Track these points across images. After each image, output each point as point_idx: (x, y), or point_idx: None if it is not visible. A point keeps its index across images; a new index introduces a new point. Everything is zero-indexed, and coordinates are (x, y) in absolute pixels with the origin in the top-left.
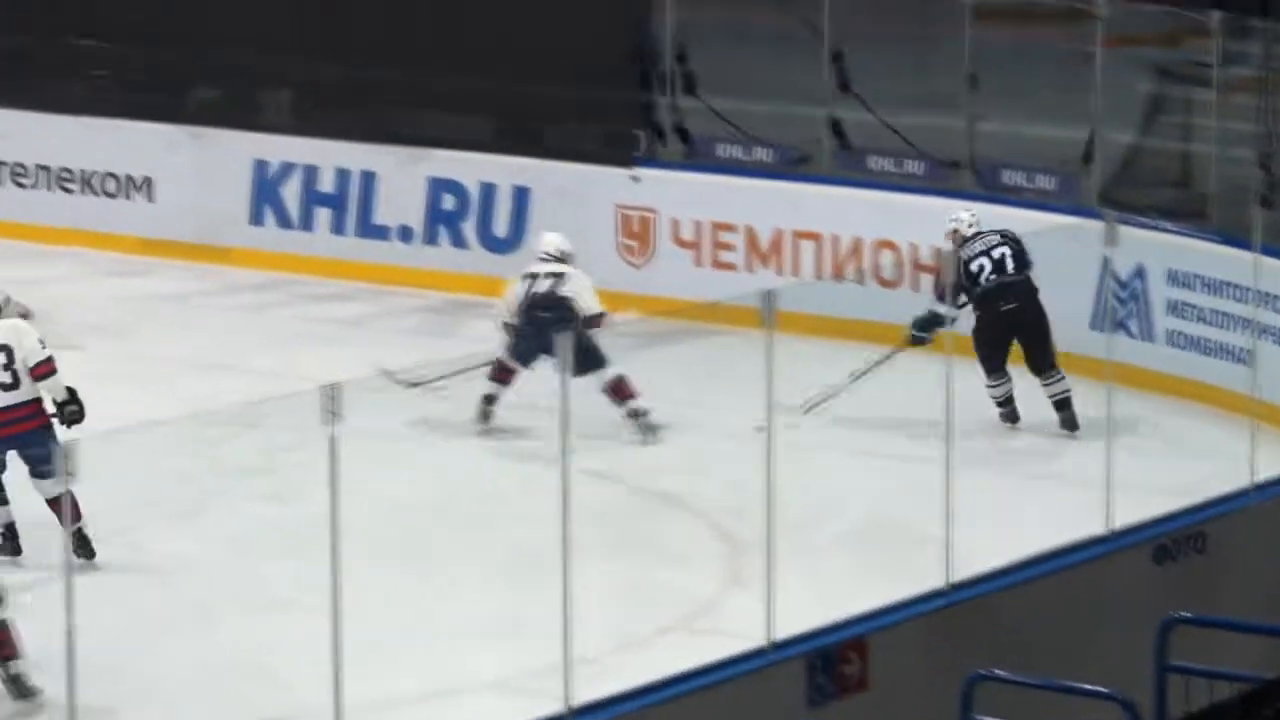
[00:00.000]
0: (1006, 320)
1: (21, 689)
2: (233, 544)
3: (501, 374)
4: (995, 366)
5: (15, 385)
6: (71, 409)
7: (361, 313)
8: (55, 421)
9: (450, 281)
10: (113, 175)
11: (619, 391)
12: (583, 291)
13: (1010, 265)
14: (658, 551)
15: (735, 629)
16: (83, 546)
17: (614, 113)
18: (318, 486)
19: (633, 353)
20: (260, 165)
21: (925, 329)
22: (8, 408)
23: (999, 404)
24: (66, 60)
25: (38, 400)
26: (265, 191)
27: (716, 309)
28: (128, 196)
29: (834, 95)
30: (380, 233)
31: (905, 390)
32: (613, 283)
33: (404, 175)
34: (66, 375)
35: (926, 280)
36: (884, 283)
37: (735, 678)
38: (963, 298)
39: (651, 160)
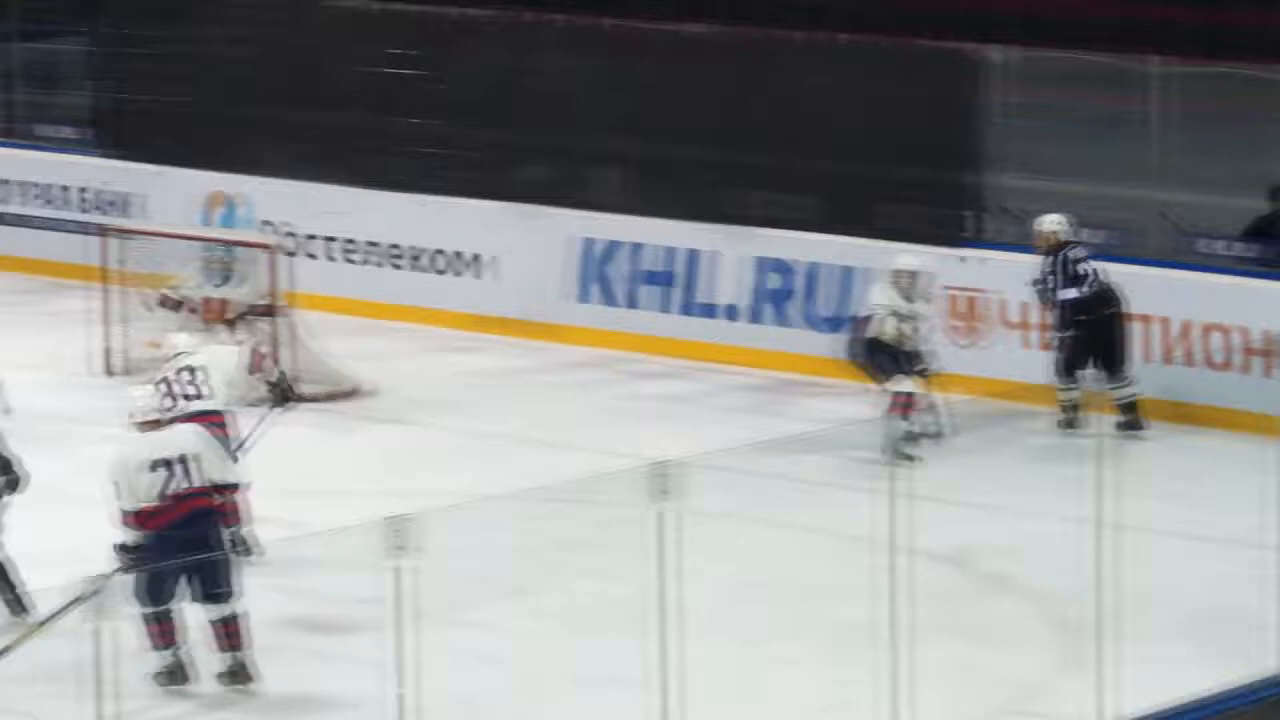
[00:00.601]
0: (1108, 324)
1: (240, 677)
2: (562, 619)
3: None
4: (1075, 370)
5: (199, 396)
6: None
7: (688, 391)
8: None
9: (775, 360)
10: (442, 252)
11: (906, 406)
12: (881, 318)
13: (1102, 276)
14: (988, 633)
15: (1067, 713)
16: (242, 544)
17: (941, 193)
18: (646, 563)
19: (963, 434)
20: (588, 243)
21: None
22: (196, 414)
23: (1066, 408)
24: (399, 138)
25: (221, 412)
26: (592, 269)
27: (1045, 391)
28: (458, 273)
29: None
30: (706, 311)
31: (1239, 469)
32: (941, 363)
33: (731, 254)
34: (398, 449)
35: (1257, 363)
36: (1213, 366)
37: None
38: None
39: (979, 241)
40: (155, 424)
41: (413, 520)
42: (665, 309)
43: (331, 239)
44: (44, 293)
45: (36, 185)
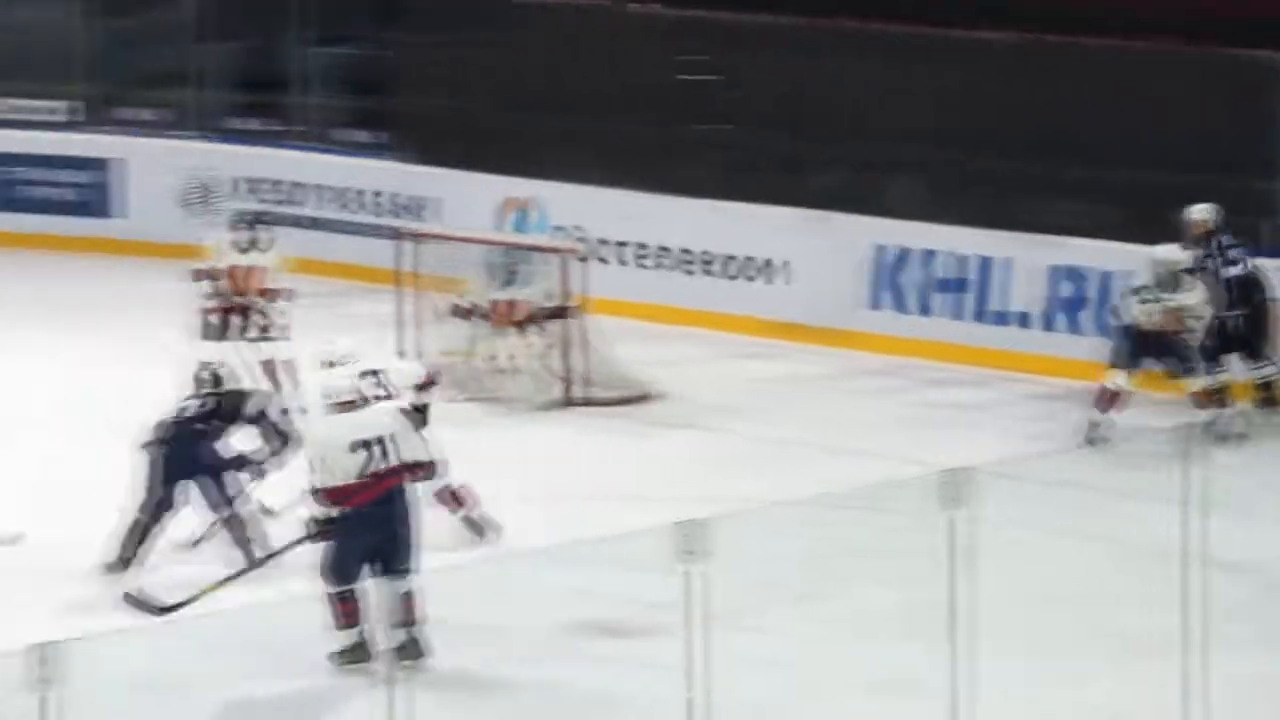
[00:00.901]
0: (1264, 310)
1: (411, 651)
2: (851, 626)
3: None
4: (1223, 354)
5: (388, 397)
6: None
7: (980, 398)
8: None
9: (1067, 369)
10: (734, 258)
11: (1110, 401)
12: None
13: (1250, 264)
14: None
15: None
16: (472, 528)
17: (1238, 201)
18: (937, 571)
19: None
20: (880, 250)
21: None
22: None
23: (1215, 392)
24: (691, 144)
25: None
26: (884, 276)
27: None
28: (750, 279)
29: None
30: (999, 318)
31: None
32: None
33: (1023, 262)
34: (689, 455)
35: None
36: None
37: None
38: (1233, 268)
39: (1276, 249)
40: (350, 405)
41: (703, 525)
42: (958, 316)
43: (623, 244)
44: (339, 295)
45: (332, 189)
